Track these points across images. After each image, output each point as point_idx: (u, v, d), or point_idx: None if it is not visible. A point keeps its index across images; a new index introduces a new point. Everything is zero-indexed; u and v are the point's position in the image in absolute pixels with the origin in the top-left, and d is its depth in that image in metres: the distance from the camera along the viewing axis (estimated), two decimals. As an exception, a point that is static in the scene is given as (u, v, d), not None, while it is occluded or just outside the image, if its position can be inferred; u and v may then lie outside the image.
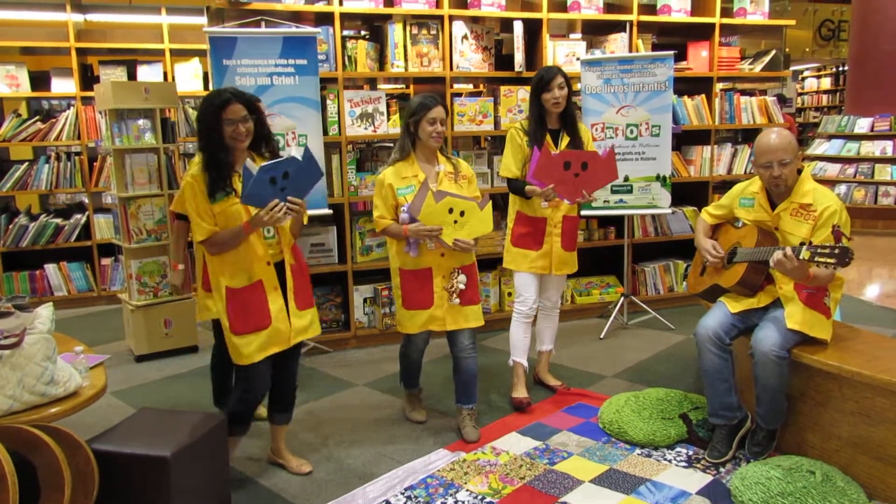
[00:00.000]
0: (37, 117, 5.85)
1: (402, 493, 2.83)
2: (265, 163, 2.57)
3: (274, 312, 2.75)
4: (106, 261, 5.97)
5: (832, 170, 8.91)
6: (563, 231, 3.59)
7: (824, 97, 15.72)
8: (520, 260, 3.62)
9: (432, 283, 3.22)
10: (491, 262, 4.89)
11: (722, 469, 2.93)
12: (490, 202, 3.16)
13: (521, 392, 3.62)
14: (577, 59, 4.91)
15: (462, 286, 3.22)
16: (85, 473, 2.22)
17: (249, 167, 2.50)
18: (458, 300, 3.22)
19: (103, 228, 5.91)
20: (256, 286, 2.72)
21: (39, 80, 5.92)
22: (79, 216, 5.89)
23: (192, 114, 5.88)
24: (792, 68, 13.88)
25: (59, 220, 5.84)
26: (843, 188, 8.66)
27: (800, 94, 15.85)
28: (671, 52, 4.61)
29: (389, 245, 3.37)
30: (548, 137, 3.52)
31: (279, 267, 2.79)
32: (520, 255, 3.62)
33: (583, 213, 4.89)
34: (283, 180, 2.55)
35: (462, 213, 3.09)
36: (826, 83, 15.75)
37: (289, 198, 2.59)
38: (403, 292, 3.28)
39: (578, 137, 3.56)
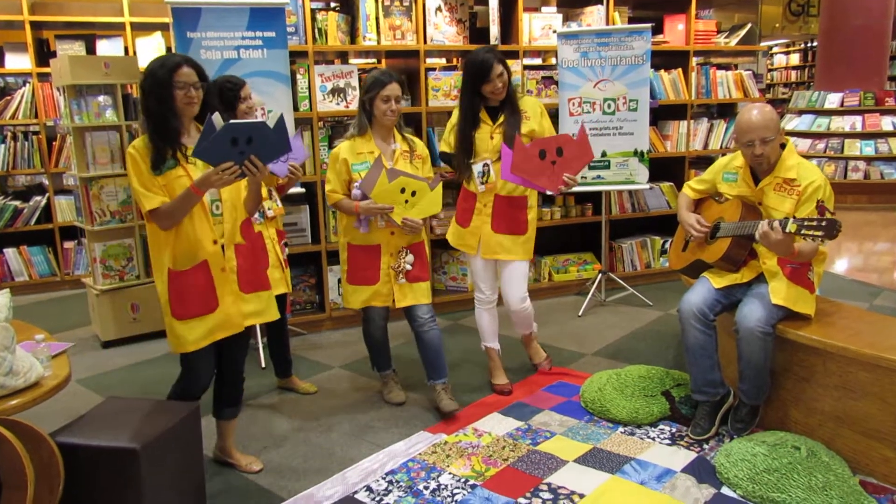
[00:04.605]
0: (-10, 95, 5.61)
1: (384, 478, 2.76)
2: (233, 121, 2.38)
3: (222, 295, 2.59)
4: (69, 244, 5.77)
5: (803, 145, 8.97)
6: (495, 211, 3.38)
7: (793, 73, 15.84)
8: (456, 234, 3.53)
9: (380, 260, 3.22)
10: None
11: (706, 446, 2.91)
12: (441, 183, 3.17)
13: (500, 379, 3.56)
14: (554, 31, 4.82)
15: (409, 266, 3.24)
16: (49, 468, 2.11)
17: (215, 120, 2.32)
18: (404, 279, 3.24)
19: (65, 210, 5.70)
20: (201, 267, 2.54)
21: (-8, 56, 5.66)
22: (39, 198, 5.68)
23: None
24: (762, 44, 13.91)
25: (17, 203, 5.62)
26: (813, 163, 8.73)
27: (769, 71, 15.95)
28: (648, 25, 4.54)
29: (339, 219, 3.36)
30: (483, 114, 3.32)
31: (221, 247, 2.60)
32: (455, 230, 3.53)
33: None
34: (245, 144, 2.35)
35: (413, 193, 3.10)
36: (795, 59, 15.85)
37: (251, 157, 2.37)
38: (349, 267, 3.27)
39: (518, 113, 3.31)
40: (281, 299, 3.49)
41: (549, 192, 3.26)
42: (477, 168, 3.35)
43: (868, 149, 8.61)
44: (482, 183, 3.36)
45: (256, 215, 3.30)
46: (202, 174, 2.41)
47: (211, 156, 2.35)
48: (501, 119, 3.31)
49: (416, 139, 3.33)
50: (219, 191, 2.54)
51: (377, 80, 3.09)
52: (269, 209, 3.34)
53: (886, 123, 8.62)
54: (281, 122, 2.42)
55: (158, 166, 2.45)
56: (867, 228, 7.42)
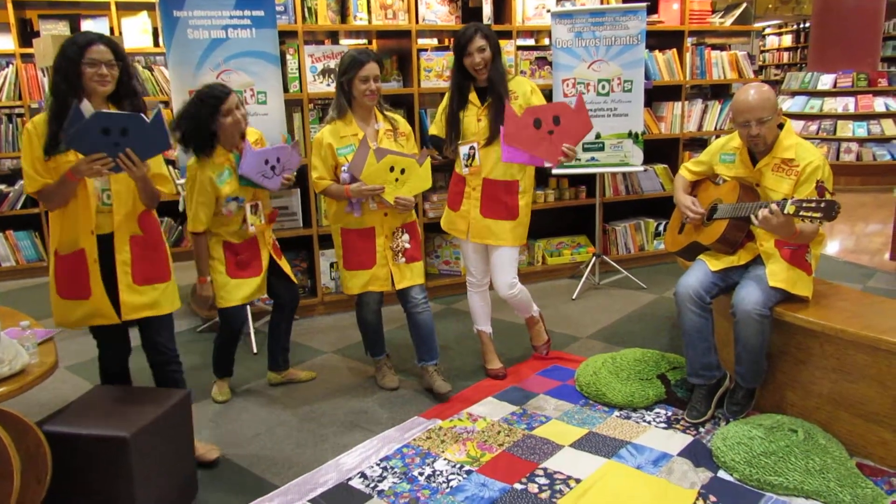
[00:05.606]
0: (-27, 77, 5.49)
1: (378, 464, 2.73)
2: (104, 110, 2.34)
3: (94, 286, 2.54)
4: (56, 228, 5.68)
5: (796, 126, 8.89)
6: (484, 195, 3.29)
7: (785, 54, 15.78)
8: (447, 219, 3.48)
9: (375, 242, 3.20)
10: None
11: (702, 429, 2.90)
12: (428, 158, 3.14)
13: (494, 363, 3.53)
14: (548, 11, 4.74)
15: (407, 245, 3.24)
16: (36, 458, 2.07)
17: (84, 108, 2.27)
18: (403, 259, 3.24)
19: (51, 194, 5.60)
20: (79, 255, 2.52)
21: (-26, 37, 5.54)
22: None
23: (144, 73, 5.56)
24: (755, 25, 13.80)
25: (3, 187, 5.54)
26: (811, 143, 8.71)
27: (761, 52, 15.88)
28: (643, 4, 4.48)
29: (328, 206, 3.32)
30: (473, 95, 3.24)
31: (109, 238, 2.54)
32: (447, 215, 3.48)
33: (554, 171, 4.78)
34: (120, 136, 2.31)
35: (402, 171, 3.07)
36: (787, 40, 15.79)
37: (126, 150, 2.33)
38: (345, 252, 3.25)
39: (506, 94, 3.17)
40: (291, 286, 3.40)
41: (548, 165, 3.14)
42: (463, 150, 3.28)
43: (861, 130, 8.59)
44: (466, 166, 3.29)
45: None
46: (76, 162, 2.36)
47: (80, 144, 2.31)
48: (489, 101, 3.22)
49: (397, 116, 3.27)
50: (109, 180, 2.49)
51: (355, 59, 3.02)
52: (251, 224, 3.14)
53: (879, 105, 8.60)
54: (158, 116, 2.39)
55: (50, 152, 2.39)
56: (860, 210, 7.42)
